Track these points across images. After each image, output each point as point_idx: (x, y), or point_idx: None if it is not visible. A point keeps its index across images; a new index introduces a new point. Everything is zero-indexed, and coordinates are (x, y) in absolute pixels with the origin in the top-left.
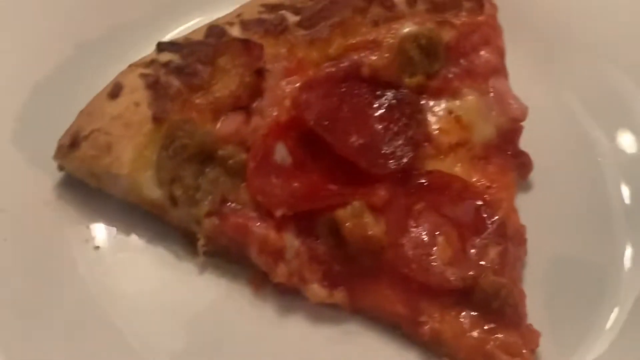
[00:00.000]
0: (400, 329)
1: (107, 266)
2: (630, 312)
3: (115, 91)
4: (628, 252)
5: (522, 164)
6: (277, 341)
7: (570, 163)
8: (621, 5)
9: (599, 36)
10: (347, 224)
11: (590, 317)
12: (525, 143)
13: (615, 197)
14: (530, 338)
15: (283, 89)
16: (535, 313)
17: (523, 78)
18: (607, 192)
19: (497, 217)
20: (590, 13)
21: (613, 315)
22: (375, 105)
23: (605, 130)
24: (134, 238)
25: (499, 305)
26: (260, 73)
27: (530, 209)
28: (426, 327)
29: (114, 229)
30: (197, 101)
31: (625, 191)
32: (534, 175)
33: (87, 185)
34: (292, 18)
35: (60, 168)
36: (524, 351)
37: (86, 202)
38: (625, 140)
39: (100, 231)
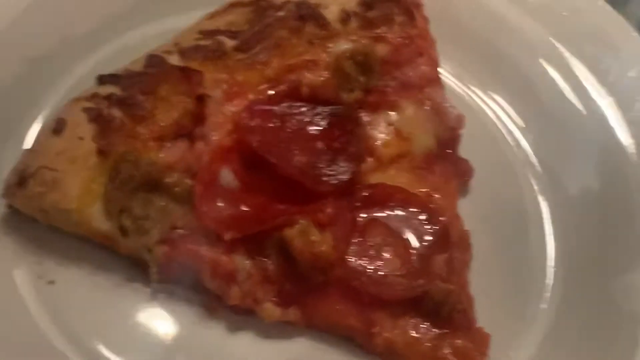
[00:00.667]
0: (354, 340)
1: (63, 299)
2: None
3: (58, 127)
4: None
5: (462, 171)
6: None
7: (504, 166)
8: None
9: (525, 40)
10: (295, 243)
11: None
12: (463, 150)
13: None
14: (481, 341)
15: (225, 114)
16: (484, 315)
17: (457, 86)
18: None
19: (440, 225)
20: (515, 19)
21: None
22: (316, 124)
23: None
24: (87, 270)
25: (448, 311)
26: (201, 99)
27: (472, 213)
28: (379, 338)
29: (67, 262)
30: (141, 131)
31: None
32: (473, 181)
33: (36, 221)
34: (230, 43)
35: (9, 206)
36: (475, 354)
37: (36, 238)
38: (552, 142)
39: (53, 266)
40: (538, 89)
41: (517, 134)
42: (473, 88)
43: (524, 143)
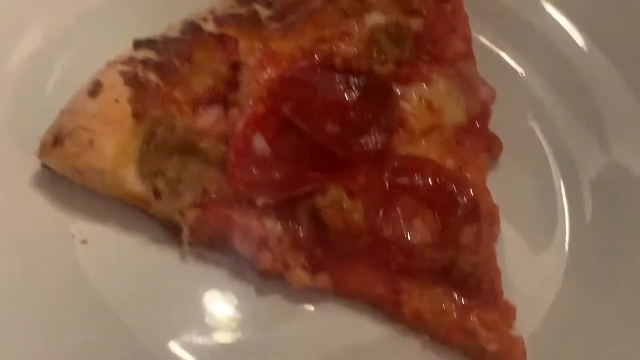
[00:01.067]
0: (382, 308)
1: (96, 259)
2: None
3: (95, 89)
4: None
5: (492, 146)
6: (262, 324)
7: (534, 142)
8: None
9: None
10: (326, 210)
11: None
12: (493, 125)
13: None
14: (507, 313)
15: (259, 81)
16: (510, 288)
17: (490, 62)
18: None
19: (470, 198)
20: None
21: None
22: (348, 94)
23: (565, 110)
24: (120, 231)
25: (476, 283)
26: (236, 66)
27: (501, 188)
28: (407, 307)
29: (100, 222)
30: (176, 96)
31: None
32: (503, 155)
33: (71, 181)
34: (264, 11)
35: (44, 166)
36: (502, 326)
37: (70, 198)
38: (584, 119)
39: (86, 226)
40: (575, 66)
41: (550, 109)
42: (506, 63)
43: (556, 119)
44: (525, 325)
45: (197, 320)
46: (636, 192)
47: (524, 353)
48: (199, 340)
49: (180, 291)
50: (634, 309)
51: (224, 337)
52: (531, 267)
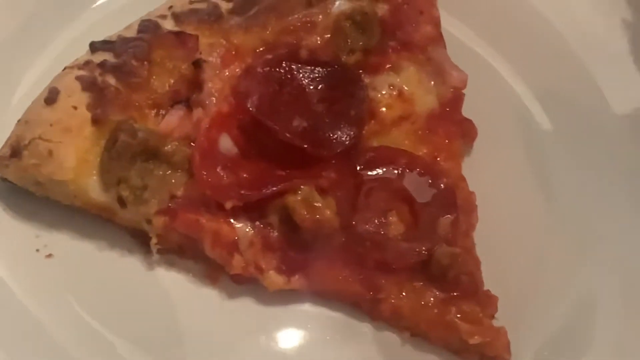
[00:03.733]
0: (360, 307)
1: (62, 273)
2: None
3: (51, 96)
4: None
5: (466, 132)
6: (237, 330)
7: (508, 126)
8: None
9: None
10: (297, 209)
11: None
12: (467, 110)
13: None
14: (488, 304)
15: (222, 79)
16: (490, 278)
17: (460, 46)
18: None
19: (445, 187)
20: None
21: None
22: (316, 87)
23: (536, 92)
24: (86, 242)
25: (455, 275)
26: (197, 65)
27: (477, 175)
28: (385, 304)
29: (65, 235)
30: (136, 99)
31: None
32: (477, 141)
33: (32, 193)
34: (225, 5)
35: (3, 179)
36: (483, 317)
37: (33, 211)
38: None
39: (50, 239)
40: (544, 45)
41: (523, 92)
42: (477, 46)
43: (529, 101)
44: (508, 314)
45: (171, 329)
46: None
47: (508, 344)
48: (173, 350)
49: (151, 301)
50: None
51: (198, 346)
52: (510, 254)
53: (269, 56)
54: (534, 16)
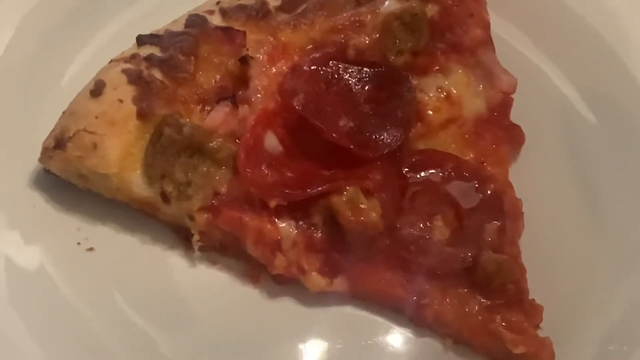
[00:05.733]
0: (402, 311)
1: (103, 267)
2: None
3: (97, 89)
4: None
5: (514, 137)
6: (277, 331)
7: (556, 132)
8: None
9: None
10: (342, 210)
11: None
12: (515, 115)
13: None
14: (534, 313)
15: (269, 76)
16: (536, 287)
17: (510, 49)
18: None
19: (492, 193)
20: None
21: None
22: (362, 87)
23: (586, 98)
24: (127, 237)
25: (501, 283)
26: (244, 61)
27: (524, 181)
28: (429, 310)
29: (106, 229)
30: (182, 94)
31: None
32: (525, 147)
33: (74, 186)
34: (273, 2)
35: (46, 171)
36: (528, 327)
37: (75, 204)
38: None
39: (92, 232)
40: (593, 49)
41: (572, 97)
42: (527, 50)
43: (579, 106)
44: (553, 325)
45: (212, 328)
46: None
47: (553, 355)
48: (212, 349)
49: (193, 298)
50: None
51: (238, 346)
52: (558, 263)
53: (316, 54)
54: (581, 20)
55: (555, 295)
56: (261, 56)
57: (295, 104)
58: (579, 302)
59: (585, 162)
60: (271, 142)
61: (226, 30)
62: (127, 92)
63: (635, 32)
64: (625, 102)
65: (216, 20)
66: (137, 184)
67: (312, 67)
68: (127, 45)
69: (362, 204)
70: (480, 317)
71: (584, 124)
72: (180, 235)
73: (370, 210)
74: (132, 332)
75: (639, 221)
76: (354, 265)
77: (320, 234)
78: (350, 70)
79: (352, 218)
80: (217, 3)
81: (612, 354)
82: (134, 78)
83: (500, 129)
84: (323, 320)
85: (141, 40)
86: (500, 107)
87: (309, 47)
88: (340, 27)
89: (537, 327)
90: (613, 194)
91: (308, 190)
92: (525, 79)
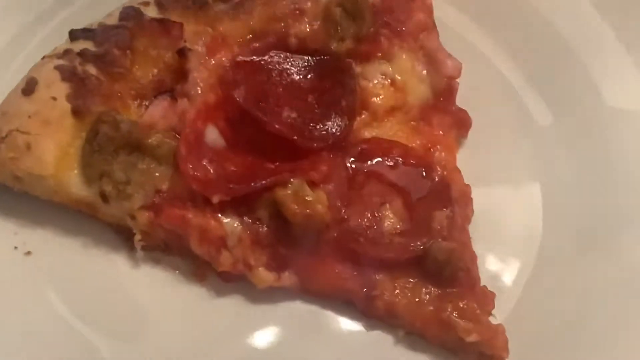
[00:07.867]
0: (353, 304)
1: (41, 272)
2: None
3: (29, 87)
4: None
5: (460, 122)
6: (226, 329)
7: (502, 116)
8: None
9: None
10: (288, 203)
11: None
12: (461, 100)
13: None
14: (485, 300)
15: (208, 68)
16: (487, 274)
17: (454, 34)
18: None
19: (440, 180)
20: None
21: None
22: (305, 76)
23: (531, 81)
24: (67, 239)
25: (451, 271)
26: (182, 53)
27: (472, 167)
28: (380, 301)
29: (45, 232)
30: (119, 89)
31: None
32: (472, 132)
33: (10, 189)
34: None
35: None
36: (480, 314)
37: (11, 207)
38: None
39: (29, 236)
40: (538, 33)
41: (517, 81)
42: (471, 34)
43: (524, 91)
44: (503, 310)
45: (156, 329)
46: None
47: (506, 341)
48: (158, 350)
49: (137, 300)
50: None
51: (185, 345)
52: (508, 247)
53: (257, 44)
54: (529, 5)
55: (506, 282)
56: (200, 48)
57: (236, 96)
58: (529, 288)
59: (532, 145)
60: (212, 136)
61: (162, 22)
62: (61, 89)
63: (581, 13)
64: (570, 83)
65: (152, 12)
66: (75, 185)
67: (253, 58)
68: (60, 41)
69: (307, 196)
70: (431, 307)
71: (529, 106)
72: (122, 236)
73: (316, 202)
74: (73, 339)
75: (587, 204)
76: (302, 259)
77: (266, 229)
78: (292, 60)
79: (297, 211)
80: None
81: (565, 336)
82: (68, 75)
83: (446, 114)
84: (273, 317)
85: (74, 35)
86: (446, 92)
87: (248, 37)
88: (280, 15)
89: (489, 314)
90: (561, 174)
91: (252, 184)
92: (469, 63)
